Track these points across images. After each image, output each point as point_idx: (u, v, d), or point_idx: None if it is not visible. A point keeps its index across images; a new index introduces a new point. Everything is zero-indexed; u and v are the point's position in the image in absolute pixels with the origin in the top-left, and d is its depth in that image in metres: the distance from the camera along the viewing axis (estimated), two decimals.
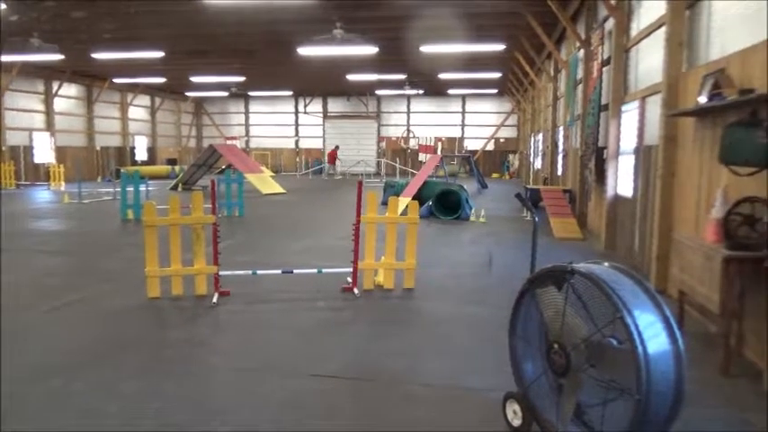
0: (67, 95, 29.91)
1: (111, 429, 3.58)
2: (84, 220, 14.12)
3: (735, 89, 4.92)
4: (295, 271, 7.19)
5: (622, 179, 9.71)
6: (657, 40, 7.72)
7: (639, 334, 2.77)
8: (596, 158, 10.92)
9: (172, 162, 35.83)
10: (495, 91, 35.50)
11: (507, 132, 38.26)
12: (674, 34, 6.82)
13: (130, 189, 14.09)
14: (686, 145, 6.57)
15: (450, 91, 35.97)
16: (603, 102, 10.74)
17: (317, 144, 41.05)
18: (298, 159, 40.99)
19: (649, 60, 8.41)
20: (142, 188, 14.89)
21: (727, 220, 4.58)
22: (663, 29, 7.20)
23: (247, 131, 42.63)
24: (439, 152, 34.04)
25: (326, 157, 37.61)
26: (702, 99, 5.45)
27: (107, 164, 32.28)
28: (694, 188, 6.24)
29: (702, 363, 4.60)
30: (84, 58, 22.26)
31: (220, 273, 6.64)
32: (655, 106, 7.74)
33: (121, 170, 23.06)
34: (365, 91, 36.99)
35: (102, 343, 5.13)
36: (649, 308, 2.94)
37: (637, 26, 9.18)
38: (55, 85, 28.55)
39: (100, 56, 21.55)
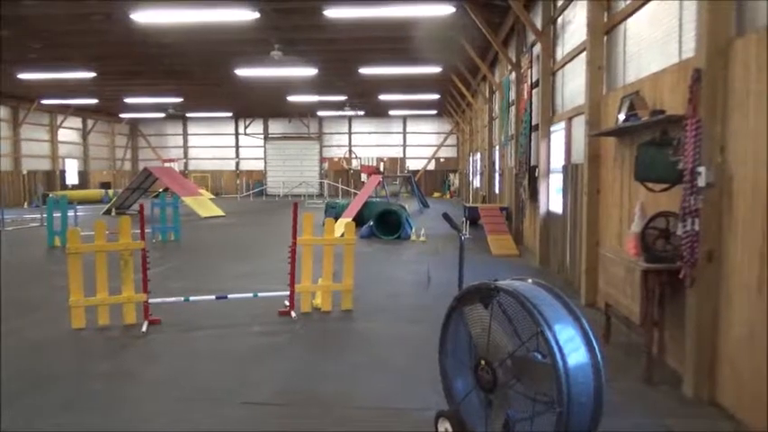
0: None
1: None
2: (7, 247, 13.35)
3: (647, 110, 5.21)
4: (230, 296, 7.00)
5: (553, 196, 10.05)
6: (580, 64, 8.10)
7: (560, 348, 2.85)
8: (529, 177, 11.27)
9: (105, 186, 34.55)
10: (434, 112, 36.23)
11: (447, 152, 39.03)
12: (594, 58, 7.17)
13: (58, 215, 13.46)
14: (608, 163, 6.88)
15: (391, 112, 36.44)
16: (534, 122, 11.13)
17: (259, 166, 40.58)
18: (238, 181, 40.35)
19: (574, 83, 8.81)
20: (71, 213, 14.24)
21: (644, 234, 4.81)
22: (584, 53, 7.57)
23: (186, 153, 41.64)
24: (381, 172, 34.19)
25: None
26: (621, 118, 5.74)
27: (35, 188, 30.74)
28: (617, 204, 6.54)
29: (627, 372, 4.78)
30: (10, 78, 21.27)
31: (150, 300, 6.40)
32: (580, 127, 8.08)
33: (49, 195, 21.99)
34: (306, 112, 36.96)
35: (22, 378, 4.84)
36: (569, 322, 3.03)
37: (562, 51, 9.60)
38: None
39: (26, 76, 20.68)
